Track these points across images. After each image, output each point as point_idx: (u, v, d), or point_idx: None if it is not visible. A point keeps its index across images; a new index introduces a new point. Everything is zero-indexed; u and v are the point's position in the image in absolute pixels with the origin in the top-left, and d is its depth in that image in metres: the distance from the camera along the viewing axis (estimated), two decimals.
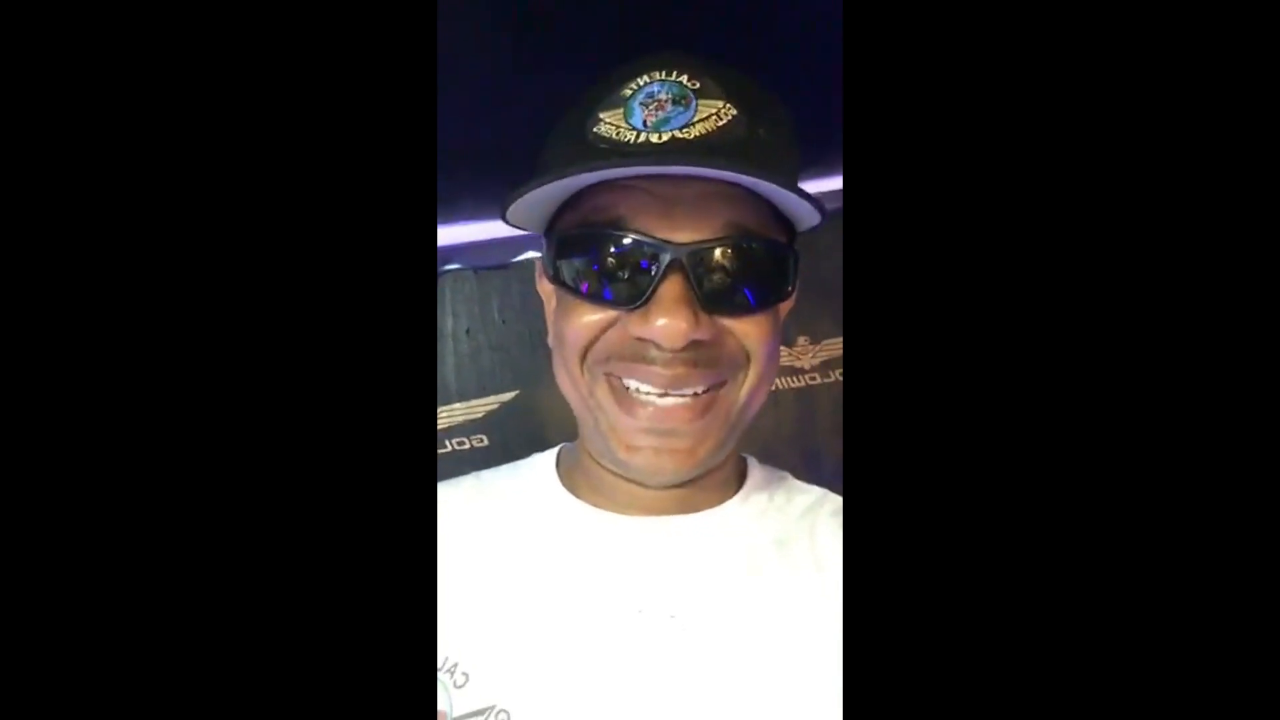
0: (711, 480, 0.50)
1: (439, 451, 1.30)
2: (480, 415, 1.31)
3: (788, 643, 0.45)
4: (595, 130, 0.43)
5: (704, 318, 0.42)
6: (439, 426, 1.30)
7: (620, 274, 0.43)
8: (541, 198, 0.43)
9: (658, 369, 0.42)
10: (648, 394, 0.44)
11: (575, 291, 0.44)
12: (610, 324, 0.44)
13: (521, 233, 0.49)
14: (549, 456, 0.55)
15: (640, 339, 0.42)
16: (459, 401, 1.30)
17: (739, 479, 0.53)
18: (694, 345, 0.42)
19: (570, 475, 0.52)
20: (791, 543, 0.49)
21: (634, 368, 0.43)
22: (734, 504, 0.51)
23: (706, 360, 0.43)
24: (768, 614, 0.46)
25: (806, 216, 0.45)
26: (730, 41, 0.60)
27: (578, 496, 0.51)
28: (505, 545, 0.49)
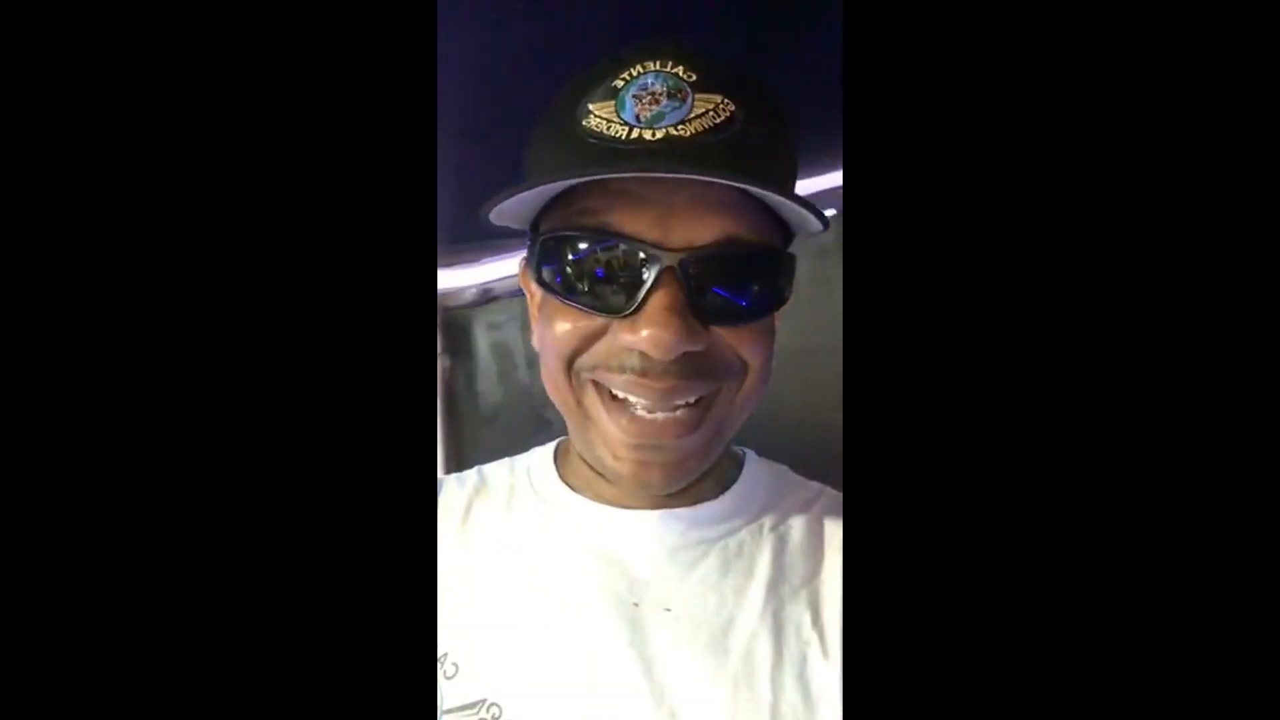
0: (707, 474, 0.49)
1: None
2: None
3: (784, 637, 0.44)
4: (585, 124, 0.40)
5: (697, 328, 0.40)
6: None
7: (610, 281, 0.41)
8: (528, 196, 0.41)
9: (649, 382, 0.41)
10: (636, 405, 0.42)
11: (562, 297, 0.42)
12: (599, 332, 0.42)
13: None
14: (548, 450, 0.54)
15: (629, 349, 0.41)
16: None
17: (736, 472, 0.52)
18: (686, 356, 0.40)
19: (567, 468, 0.52)
20: (790, 532, 0.49)
21: (623, 379, 0.42)
22: (730, 497, 0.50)
23: (698, 371, 0.42)
24: (764, 608, 0.45)
25: (805, 222, 0.43)
26: (729, 36, 0.59)
27: (574, 490, 0.50)
28: (502, 539, 0.50)
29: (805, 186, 0.60)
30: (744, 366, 0.43)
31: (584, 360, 0.43)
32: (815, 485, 0.53)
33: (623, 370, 0.41)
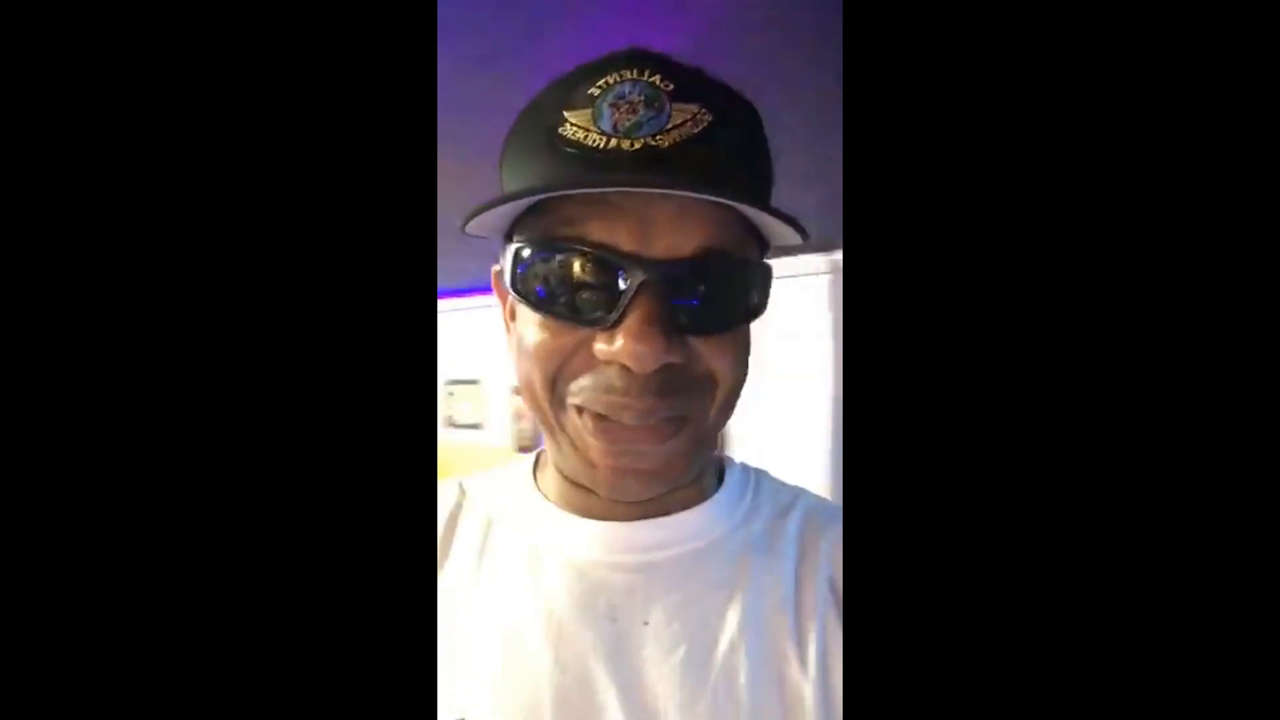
0: (689, 482, 0.48)
1: None
2: None
3: (764, 650, 0.44)
4: (561, 132, 0.40)
5: (675, 339, 0.40)
6: None
7: (588, 292, 0.40)
8: (504, 207, 0.41)
9: (630, 400, 0.40)
10: (616, 419, 0.41)
11: (539, 308, 0.41)
12: (576, 344, 0.41)
13: None
14: (527, 462, 0.53)
15: (608, 361, 0.40)
16: None
17: (716, 478, 0.51)
18: (664, 368, 0.40)
19: (546, 481, 0.51)
20: (769, 542, 0.49)
21: (602, 398, 0.41)
22: (709, 505, 0.49)
23: (677, 386, 0.41)
24: (744, 621, 0.45)
25: (783, 233, 0.42)
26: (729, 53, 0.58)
27: (550, 500, 0.49)
28: (481, 554, 0.49)
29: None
30: (720, 377, 0.43)
31: (563, 377, 0.42)
32: (794, 488, 0.53)
33: (604, 389, 0.41)
